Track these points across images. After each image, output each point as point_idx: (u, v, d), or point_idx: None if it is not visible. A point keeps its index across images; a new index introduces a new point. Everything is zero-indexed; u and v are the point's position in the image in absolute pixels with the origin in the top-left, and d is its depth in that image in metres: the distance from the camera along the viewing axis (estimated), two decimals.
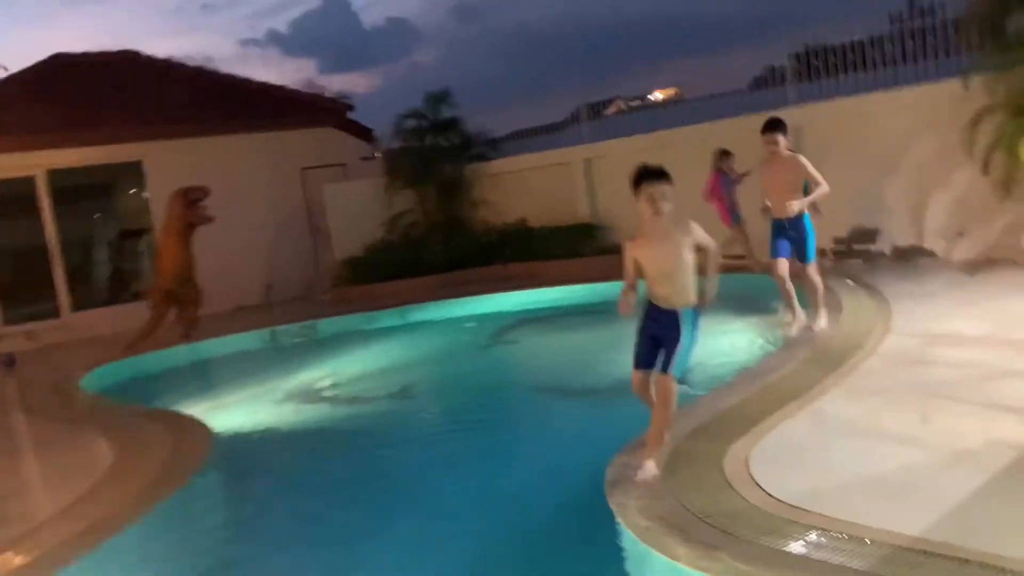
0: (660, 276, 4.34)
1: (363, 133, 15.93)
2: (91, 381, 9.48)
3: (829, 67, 10.47)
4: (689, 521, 3.53)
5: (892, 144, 9.02)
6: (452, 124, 14.32)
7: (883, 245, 9.35)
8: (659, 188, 4.24)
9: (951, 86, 8.26)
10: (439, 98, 14.25)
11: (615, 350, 7.43)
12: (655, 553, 3.36)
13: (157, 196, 13.83)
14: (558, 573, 3.98)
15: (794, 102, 10.25)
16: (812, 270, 6.83)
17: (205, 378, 10.29)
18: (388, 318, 11.65)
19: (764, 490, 3.76)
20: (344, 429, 7.07)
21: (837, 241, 9.70)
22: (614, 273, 5.16)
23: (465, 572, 4.06)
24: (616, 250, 11.99)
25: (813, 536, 3.22)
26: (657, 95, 20.93)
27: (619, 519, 3.73)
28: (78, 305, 13.60)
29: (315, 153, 15.06)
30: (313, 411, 7.60)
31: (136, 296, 13.74)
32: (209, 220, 11.25)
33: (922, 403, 4.75)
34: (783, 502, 3.60)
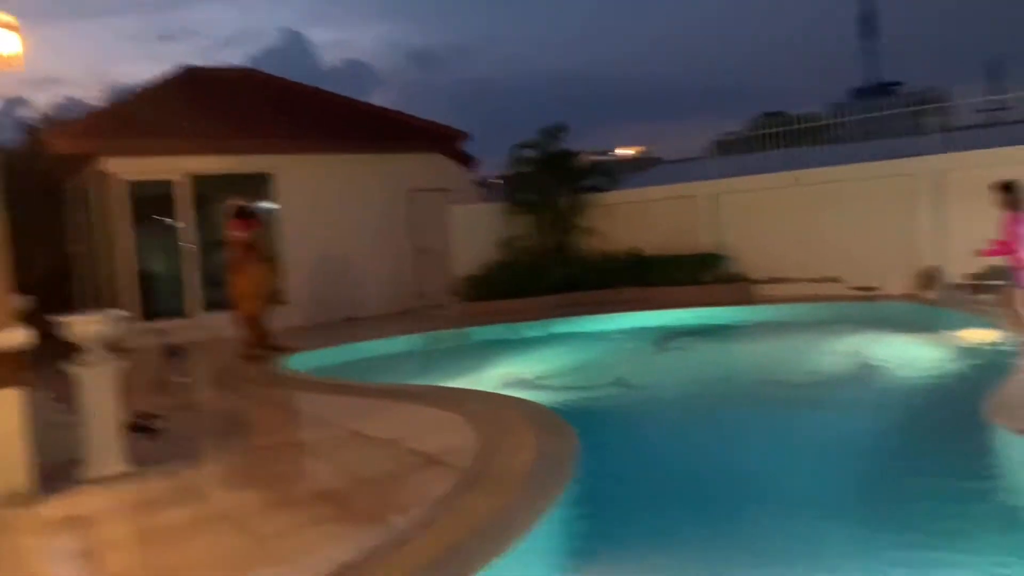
0: None
1: (466, 160, 16.80)
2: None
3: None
4: None
5: None
6: (565, 156, 15.31)
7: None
8: None
9: None
10: (554, 131, 15.26)
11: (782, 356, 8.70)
12: None
13: (286, 207, 14.58)
14: None
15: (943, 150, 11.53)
16: None
17: (397, 371, 10.78)
18: (530, 329, 12.45)
19: None
20: (627, 414, 7.82)
21: (972, 277, 10.85)
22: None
23: None
24: (738, 279, 13.13)
25: None
26: (624, 151, 21.87)
27: None
28: (208, 306, 14.07)
29: (422, 176, 15.89)
30: (566, 397, 8.32)
31: None
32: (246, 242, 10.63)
33: None
34: None
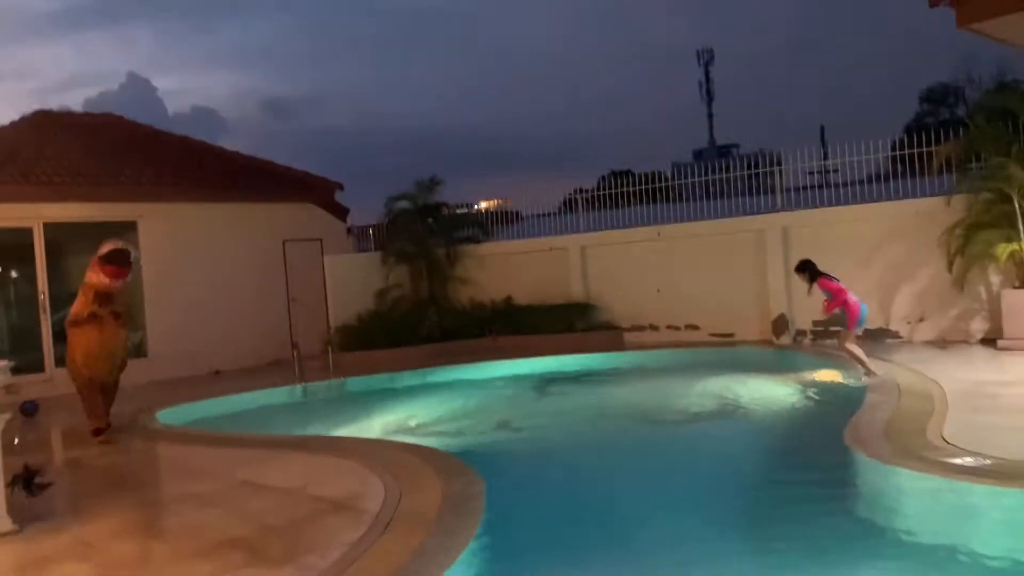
0: None
1: (339, 211, 16.86)
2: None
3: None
4: None
5: (865, 247, 11.46)
6: (439, 208, 15.68)
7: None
8: None
9: (915, 204, 10.93)
10: (429, 185, 15.62)
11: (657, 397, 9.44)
12: None
13: (150, 256, 14.10)
14: None
15: (783, 208, 12.65)
16: None
17: (267, 424, 10.68)
18: (408, 378, 12.57)
19: None
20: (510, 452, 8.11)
21: (815, 323, 11.94)
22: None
23: None
24: (607, 327, 13.80)
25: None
26: (482, 204, 22.36)
27: None
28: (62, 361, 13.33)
29: (296, 226, 15.82)
30: (451, 442, 8.50)
31: None
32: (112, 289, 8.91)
33: None
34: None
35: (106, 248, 8.83)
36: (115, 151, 14.84)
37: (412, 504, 5.29)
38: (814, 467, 6.54)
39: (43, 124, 14.77)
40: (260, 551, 4.74)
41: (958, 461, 5.36)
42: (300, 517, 5.34)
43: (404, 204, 15.53)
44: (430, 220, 15.46)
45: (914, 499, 5.31)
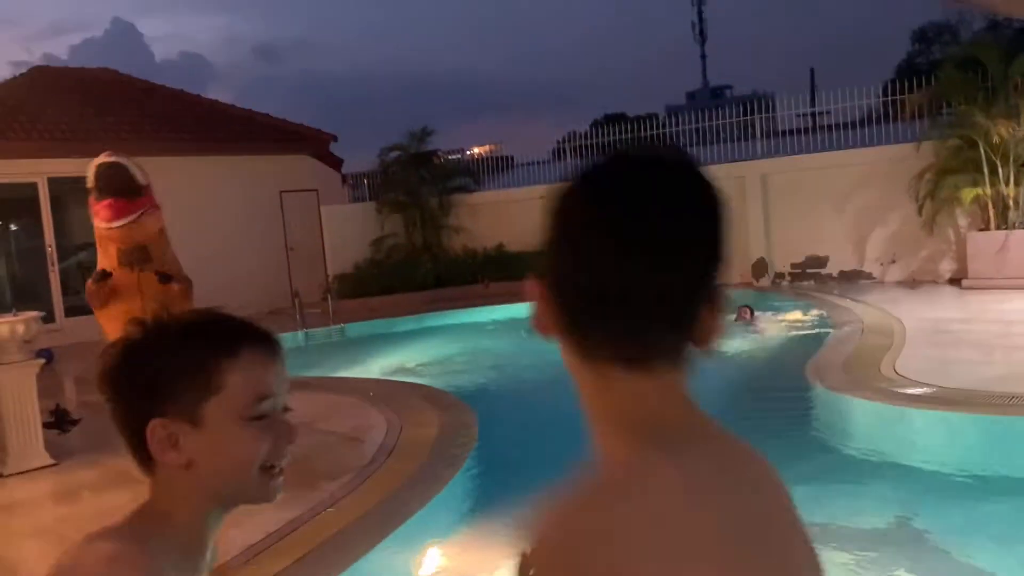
0: None
1: (334, 162, 17.23)
2: None
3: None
4: None
5: (840, 192, 11.95)
6: (431, 158, 16.07)
7: (831, 269, 12.23)
8: None
9: (888, 150, 11.39)
10: (420, 135, 15.98)
11: None
12: None
13: None
14: None
15: (762, 156, 13.09)
16: None
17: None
18: (405, 323, 13.14)
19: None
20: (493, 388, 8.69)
21: (794, 266, 12.49)
22: None
23: None
24: None
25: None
26: (478, 149, 22.47)
27: None
28: (70, 311, 13.86)
29: (293, 177, 16.21)
30: (448, 381, 9.08)
31: None
32: None
33: None
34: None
35: (91, 170, 5.59)
36: (112, 106, 15.12)
37: (412, 435, 5.87)
38: (778, 398, 7.14)
39: (40, 79, 15.03)
40: None
41: (904, 391, 5.95)
42: (312, 448, 5.92)
43: (397, 154, 15.90)
44: (422, 171, 15.85)
45: (863, 424, 5.91)
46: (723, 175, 12.46)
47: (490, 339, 11.81)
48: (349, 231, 15.55)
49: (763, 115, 13.72)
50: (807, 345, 8.32)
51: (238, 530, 4.40)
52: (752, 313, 10.30)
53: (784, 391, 7.28)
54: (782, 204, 12.50)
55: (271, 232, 15.99)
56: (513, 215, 15.43)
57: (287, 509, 4.58)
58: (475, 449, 5.42)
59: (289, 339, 12.50)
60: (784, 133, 14.58)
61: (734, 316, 10.17)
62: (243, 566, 4.06)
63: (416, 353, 11.02)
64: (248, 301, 15.24)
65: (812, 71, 51.46)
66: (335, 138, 16.90)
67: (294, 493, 4.97)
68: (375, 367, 10.30)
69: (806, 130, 13.70)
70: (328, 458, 5.63)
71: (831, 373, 6.66)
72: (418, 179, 15.79)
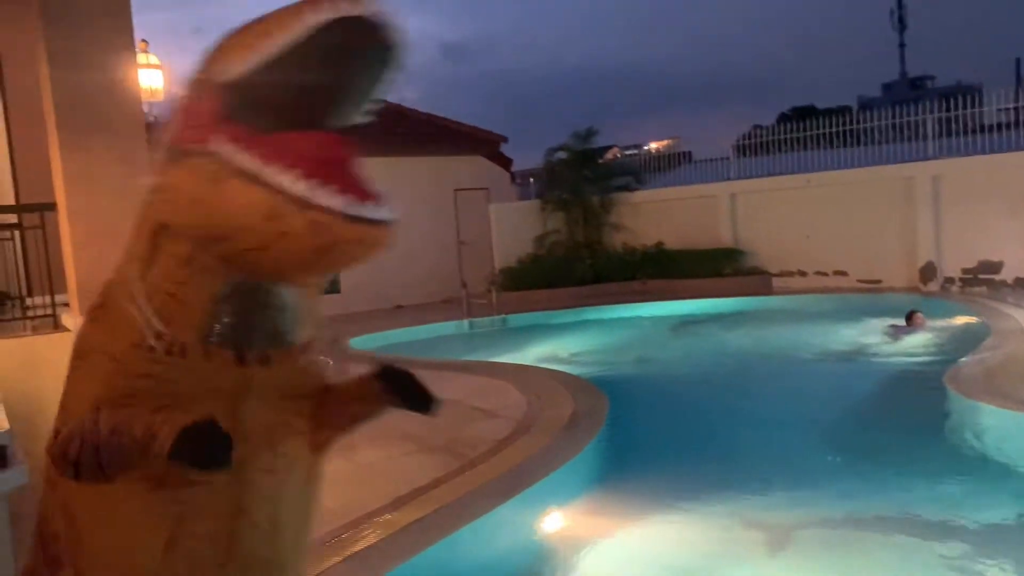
0: None
1: (504, 162, 18.16)
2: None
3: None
4: None
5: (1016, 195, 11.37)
6: (595, 158, 16.62)
7: (1006, 275, 11.66)
8: None
9: None
10: (585, 135, 16.55)
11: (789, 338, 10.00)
12: None
13: None
14: None
15: (934, 156, 12.62)
16: None
17: (438, 351, 12.11)
18: (563, 316, 13.78)
19: None
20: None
21: (964, 271, 12.00)
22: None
23: None
24: (755, 271, 14.34)
25: None
26: (656, 144, 22.14)
27: None
28: None
29: (466, 177, 17.28)
30: (597, 370, 9.63)
31: None
32: None
33: None
34: None
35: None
36: None
37: (548, 415, 6.47)
38: (914, 405, 7.16)
39: None
40: (425, 443, 6.09)
41: None
42: (459, 421, 6.65)
43: (562, 155, 16.56)
44: (584, 170, 16.41)
45: (998, 433, 5.89)
46: (891, 176, 12.14)
47: (640, 334, 12.22)
48: (515, 227, 16.40)
49: (966, 110, 12.90)
50: (955, 350, 8.18)
51: (392, 485, 5.16)
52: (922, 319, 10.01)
53: (921, 396, 7.29)
54: (955, 208, 12.03)
55: (445, 228, 17.12)
56: (675, 214, 15.72)
57: (432, 470, 5.30)
58: (601, 432, 5.94)
59: (454, 327, 13.52)
60: (990, 128, 13.42)
61: (905, 321, 9.98)
62: (391, 511, 4.82)
63: (570, 344, 11.61)
64: (425, 292, 16.52)
65: (1018, 61, 47.23)
66: (506, 139, 17.81)
67: (440, 457, 5.70)
68: (530, 355, 10.98)
69: (1008, 125, 12.77)
70: (471, 430, 6.33)
71: (968, 380, 6.62)
72: (581, 178, 16.37)
